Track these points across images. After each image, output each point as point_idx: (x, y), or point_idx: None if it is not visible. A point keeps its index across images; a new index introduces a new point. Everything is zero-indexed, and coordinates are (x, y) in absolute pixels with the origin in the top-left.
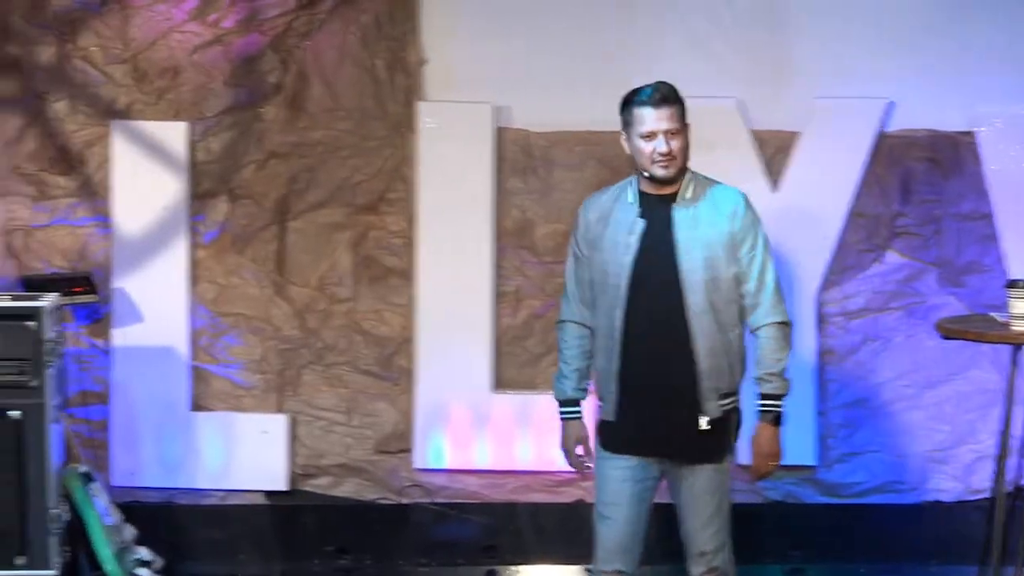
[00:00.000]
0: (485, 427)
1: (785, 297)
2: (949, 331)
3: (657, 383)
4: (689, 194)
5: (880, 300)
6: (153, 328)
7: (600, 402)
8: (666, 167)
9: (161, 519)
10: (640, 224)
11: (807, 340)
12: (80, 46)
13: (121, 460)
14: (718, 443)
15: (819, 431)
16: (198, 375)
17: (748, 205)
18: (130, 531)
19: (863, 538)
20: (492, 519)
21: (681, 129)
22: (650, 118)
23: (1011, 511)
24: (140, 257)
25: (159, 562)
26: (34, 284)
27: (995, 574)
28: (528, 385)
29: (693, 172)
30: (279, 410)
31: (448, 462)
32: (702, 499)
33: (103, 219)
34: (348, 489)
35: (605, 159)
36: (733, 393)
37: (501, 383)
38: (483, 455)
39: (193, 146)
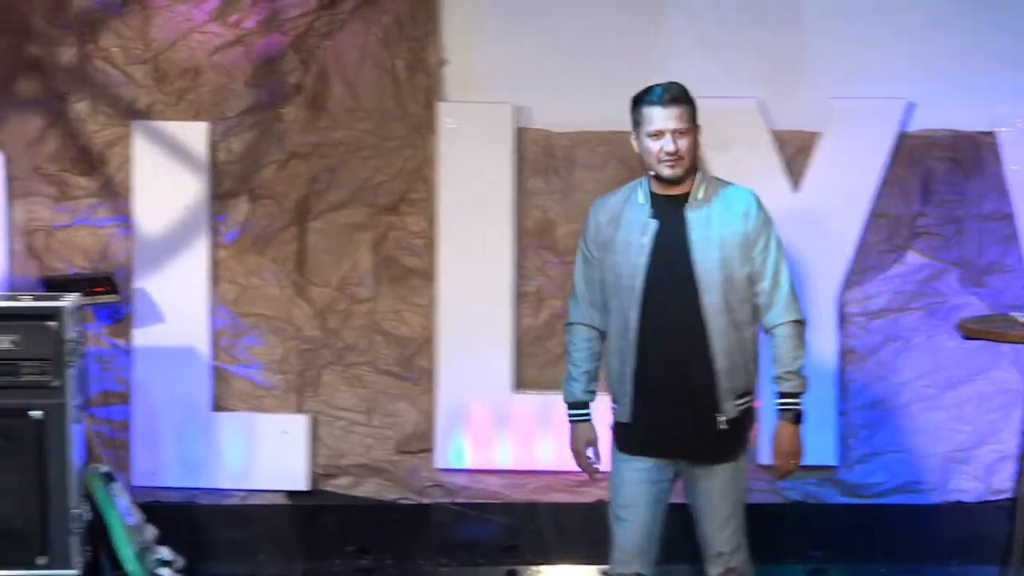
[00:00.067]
0: (506, 427)
1: (800, 296)
2: (970, 331)
3: (673, 384)
4: (701, 194)
5: (901, 300)
6: (174, 328)
7: (614, 404)
8: (672, 167)
9: (182, 519)
10: (653, 225)
11: (828, 340)
12: (101, 47)
13: (142, 460)
14: (735, 443)
15: (840, 431)
16: (219, 375)
17: (760, 205)
18: (151, 531)
19: (884, 538)
20: (513, 519)
21: (690, 129)
22: (658, 117)
23: None
24: (161, 257)
25: (180, 562)
26: (55, 284)
27: (1016, 574)
28: (549, 385)
29: (703, 172)
30: (300, 410)
31: (469, 462)
32: (719, 500)
33: (124, 219)
34: (369, 489)
35: (626, 159)
36: (748, 393)
37: (522, 383)
38: (504, 455)
39: (214, 146)
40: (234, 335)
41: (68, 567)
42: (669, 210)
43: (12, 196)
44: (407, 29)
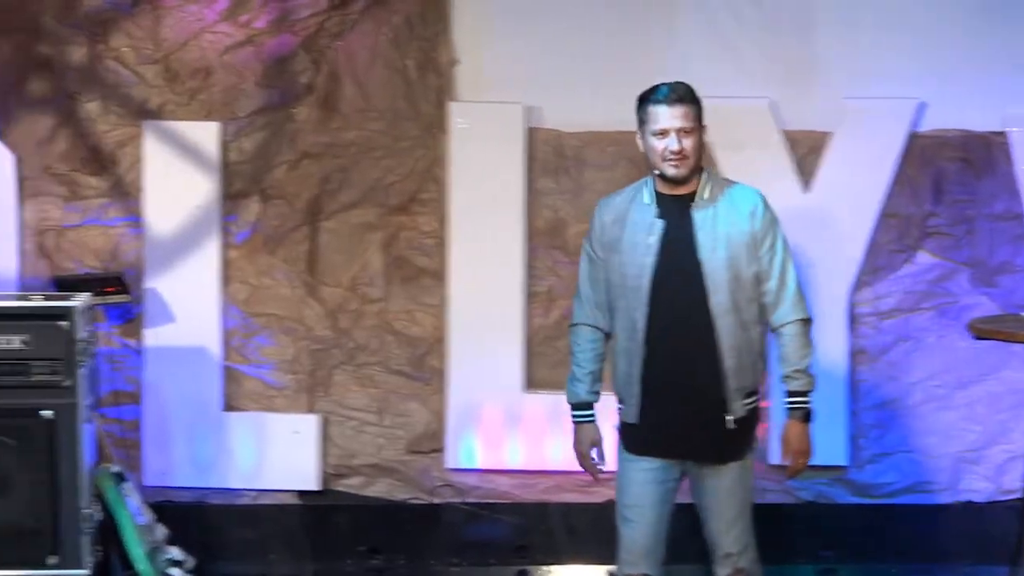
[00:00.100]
0: (517, 427)
1: (806, 295)
2: (981, 331)
3: (681, 383)
4: (707, 194)
5: (912, 300)
6: (185, 328)
7: (620, 404)
8: (677, 166)
9: (193, 519)
10: (659, 225)
11: (838, 340)
12: (112, 46)
13: (153, 460)
14: (742, 442)
15: (850, 431)
16: (230, 375)
17: (767, 204)
18: (162, 531)
19: (895, 538)
20: (523, 519)
21: (695, 128)
22: (664, 116)
23: None
24: (172, 257)
25: (191, 562)
26: (66, 284)
27: None
28: (560, 385)
29: (709, 172)
30: (311, 410)
31: (480, 462)
32: (726, 499)
33: (135, 219)
34: (380, 489)
35: (636, 159)
36: (755, 392)
37: (533, 383)
38: (515, 455)
39: (225, 146)
40: (245, 335)
41: (79, 567)
42: (675, 210)
43: (23, 196)
44: (418, 29)
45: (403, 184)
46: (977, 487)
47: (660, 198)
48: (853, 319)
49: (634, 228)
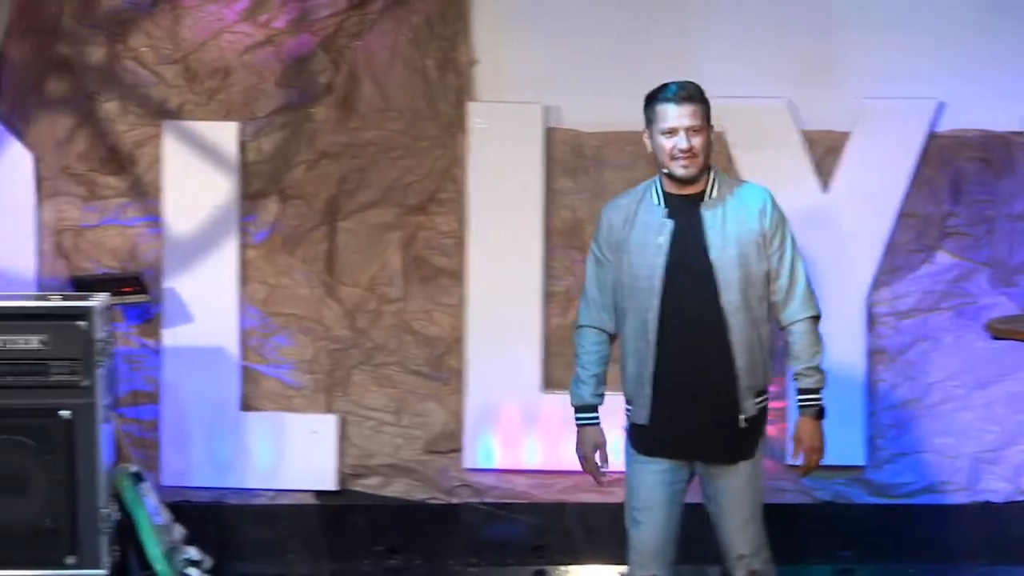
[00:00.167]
0: (534, 427)
1: (815, 292)
2: (999, 331)
3: (693, 383)
4: (715, 193)
5: (930, 300)
6: (203, 328)
7: (628, 406)
8: (687, 165)
9: (211, 519)
10: (669, 225)
11: (856, 340)
12: (131, 46)
13: (171, 460)
14: (753, 441)
15: (868, 431)
16: (248, 375)
17: (775, 202)
18: (179, 531)
19: (912, 538)
20: (541, 519)
21: (704, 127)
22: (672, 114)
23: None
24: (190, 257)
25: (208, 562)
26: (84, 284)
27: None
28: None
29: (716, 171)
30: (329, 410)
31: (497, 462)
32: (739, 499)
33: (153, 219)
34: (398, 489)
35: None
36: (765, 391)
37: (551, 383)
38: (532, 455)
39: (244, 146)
40: (263, 335)
41: (97, 567)
42: (684, 209)
43: (41, 196)
44: (437, 29)
45: (422, 184)
46: (995, 487)
47: (668, 198)
48: (871, 319)
49: (643, 229)
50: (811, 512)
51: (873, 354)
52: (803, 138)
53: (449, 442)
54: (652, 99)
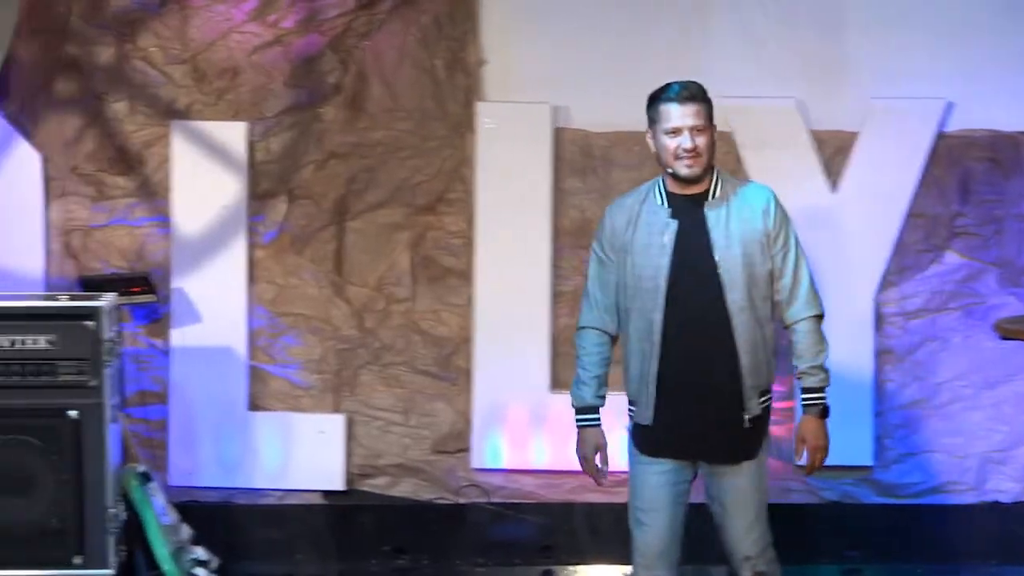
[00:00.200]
0: (542, 427)
1: (818, 291)
2: (1007, 331)
3: (698, 382)
4: (719, 193)
5: (939, 300)
6: (211, 328)
7: (632, 406)
8: (691, 164)
9: (219, 519)
10: (673, 225)
11: (865, 340)
12: (139, 47)
13: (179, 460)
14: (758, 441)
15: (876, 431)
16: (256, 375)
17: (778, 201)
18: (187, 531)
19: (920, 539)
20: (549, 519)
21: (707, 127)
22: (676, 114)
23: None
24: (199, 257)
25: (216, 562)
26: (93, 284)
27: None
28: None
29: (719, 171)
30: (336, 410)
31: (505, 462)
32: (746, 501)
33: (162, 219)
34: (405, 489)
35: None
36: (769, 390)
37: (559, 383)
38: (540, 455)
39: (252, 146)
40: (272, 335)
41: (104, 567)
42: (688, 209)
43: (50, 196)
44: (446, 29)
45: (430, 184)
46: (1004, 487)
47: (672, 198)
48: (880, 319)
49: (647, 229)
50: (819, 512)
51: (881, 354)
52: (812, 138)
53: (457, 442)
54: (655, 99)
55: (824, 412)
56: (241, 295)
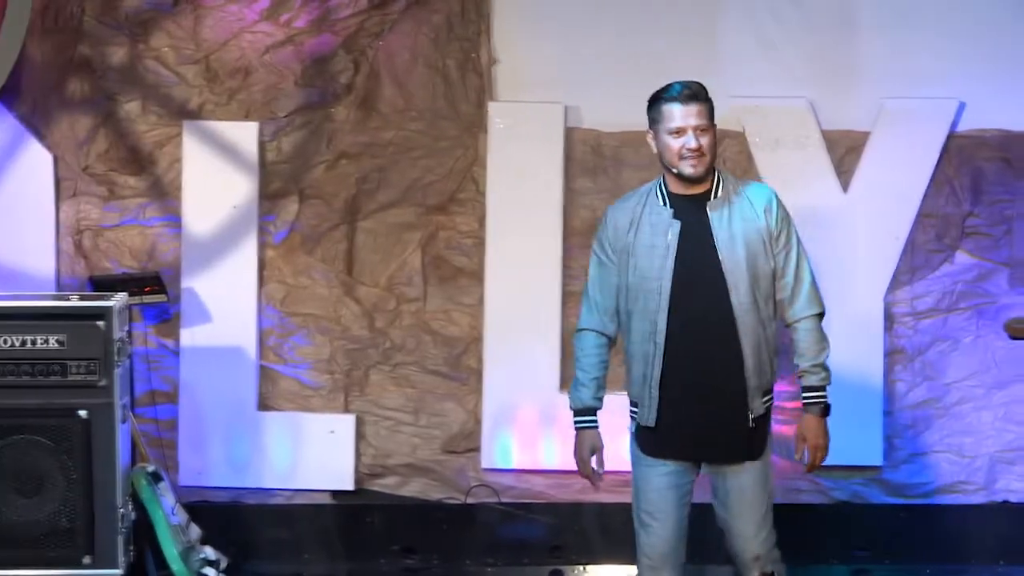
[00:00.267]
0: (552, 427)
1: (819, 289)
2: (1017, 331)
3: (701, 383)
4: (721, 192)
5: (949, 300)
6: (221, 328)
7: (634, 408)
8: (695, 164)
9: (228, 518)
10: (676, 225)
11: (875, 340)
12: (152, 47)
13: (189, 459)
14: (762, 440)
15: (886, 431)
16: (266, 375)
17: (780, 201)
18: (196, 530)
19: (930, 539)
20: (558, 519)
21: (710, 127)
22: (679, 114)
23: None
24: (209, 257)
25: (224, 561)
26: (103, 284)
27: None
28: None
29: (720, 171)
30: (346, 410)
31: (515, 462)
32: (753, 502)
33: (173, 219)
34: (415, 489)
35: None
36: (771, 390)
37: (569, 383)
38: (550, 455)
39: (264, 146)
40: (282, 335)
41: (113, 567)
42: (690, 210)
43: (61, 196)
44: (458, 29)
45: (441, 184)
46: (1014, 487)
47: (673, 198)
48: (890, 319)
49: (650, 230)
50: (828, 512)
51: (891, 354)
52: (823, 138)
53: (467, 442)
54: (656, 99)
55: (825, 411)
56: (251, 295)
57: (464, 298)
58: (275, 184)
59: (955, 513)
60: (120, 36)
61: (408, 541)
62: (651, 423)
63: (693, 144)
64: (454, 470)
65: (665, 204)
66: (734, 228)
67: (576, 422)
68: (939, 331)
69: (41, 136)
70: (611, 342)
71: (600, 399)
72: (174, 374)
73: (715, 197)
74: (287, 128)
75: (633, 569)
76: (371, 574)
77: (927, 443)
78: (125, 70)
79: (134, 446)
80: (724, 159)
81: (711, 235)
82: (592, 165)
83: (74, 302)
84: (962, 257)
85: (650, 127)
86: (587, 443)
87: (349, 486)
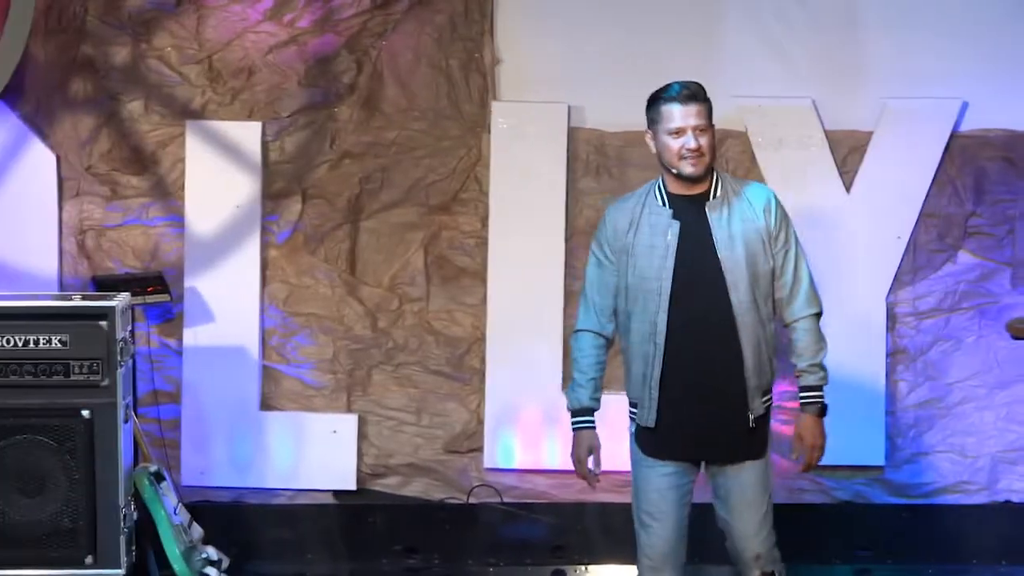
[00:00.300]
0: (555, 427)
1: (817, 289)
2: (1019, 331)
3: (701, 383)
4: (720, 192)
5: (952, 300)
6: (224, 328)
7: (633, 409)
8: (695, 164)
9: (230, 518)
10: (676, 226)
11: (877, 340)
12: (155, 46)
13: (191, 459)
14: (762, 440)
15: (888, 431)
16: (268, 375)
17: (779, 201)
18: (198, 530)
19: (932, 539)
20: (560, 519)
21: (709, 127)
22: (678, 114)
23: None
24: (212, 257)
25: (226, 561)
26: (106, 284)
27: None
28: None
29: (719, 171)
30: (349, 410)
31: (517, 462)
32: (753, 501)
33: (176, 219)
34: (417, 489)
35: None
36: (770, 389)
37: None
38: (552, 455)
39: (267, 146)
40: (284, 335)
41: (116, 567)
42: (689, 210)
43: (64, 196)
44: (461, 29)
45: (444, 184)
46: (1016, 487)
47: (672, 199)
48: (892, 319)
49: (649, 230)
50: (830, 512)
51: (894, 354)
52: (826, 138)
53: (469, 442)
54: (655, 100)
55: (822, 411)
56: (254, 295)
57: (467, 298)
58: (278, 184)
59: (957, 513)
60: (123, 36)
61: (410, 541)
62: (651, 424)
63: (692, 144)
64: (456, 470)
65: (664, 204)
66: (733, 228)
67: (573, 423)
68: (941, 331)
69: (44, 136)
70: (608, 343)
71: (597, 400)
72: (177, 374)
73: (714, 197)
74: (290, 128)
75: (634, 569)
76: (373, 574)
77: (929, 443)
78: (128, 70)
79: (137, 446)
80: (727, 159)
81: (710, 235)
82: (596, 165)
83: (77, 302)
84: (964, 257)
85: (649, 127)
86: (584, 443)
87: (351, 486)
